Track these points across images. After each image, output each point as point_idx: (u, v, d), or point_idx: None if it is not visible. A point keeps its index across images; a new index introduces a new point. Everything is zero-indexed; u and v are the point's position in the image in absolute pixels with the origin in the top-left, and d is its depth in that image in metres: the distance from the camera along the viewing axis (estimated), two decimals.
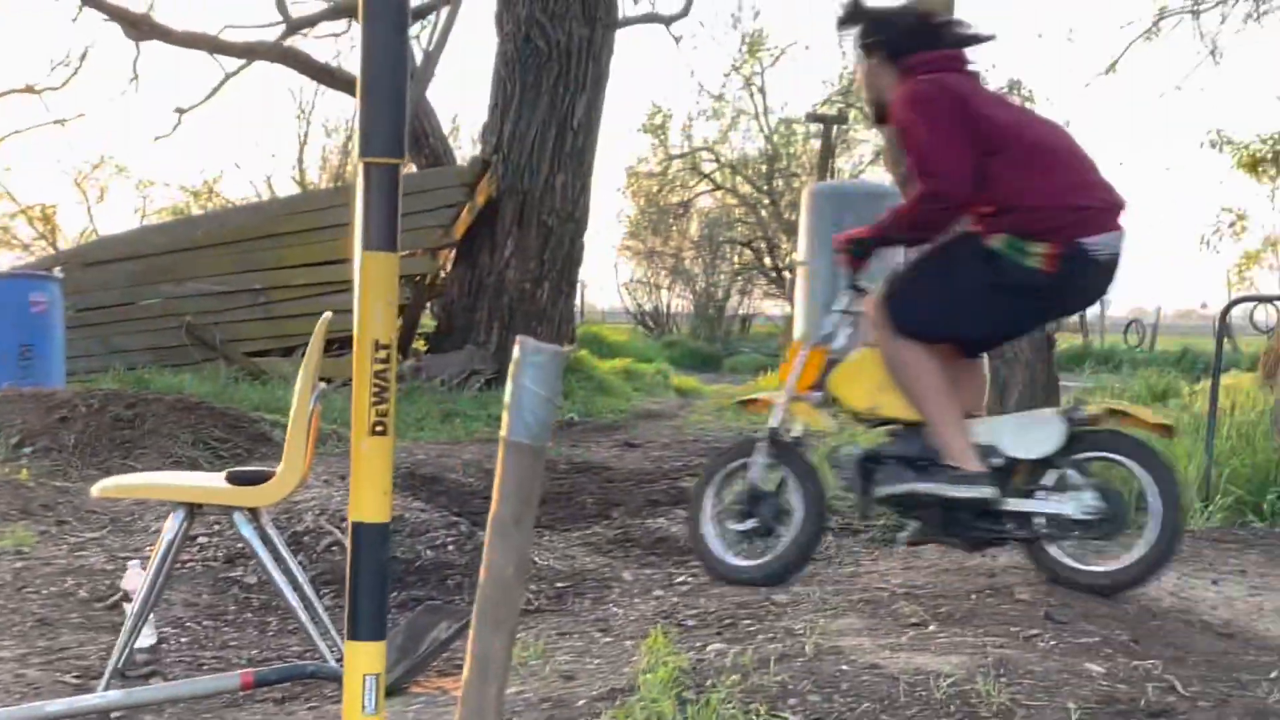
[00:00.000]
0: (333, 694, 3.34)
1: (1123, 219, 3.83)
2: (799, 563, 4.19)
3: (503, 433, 1.33)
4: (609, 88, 12.95)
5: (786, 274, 27.13)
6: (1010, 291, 3.81)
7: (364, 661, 1.43)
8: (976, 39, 4.07)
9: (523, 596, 1.39)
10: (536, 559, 4.80)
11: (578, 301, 23.03)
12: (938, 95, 3.83)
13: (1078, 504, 3.81)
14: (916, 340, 3.95)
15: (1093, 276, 3.81)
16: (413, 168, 13.76)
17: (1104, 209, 3.81)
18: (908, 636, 3.20)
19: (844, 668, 2.85)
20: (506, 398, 1.35)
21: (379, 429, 1.40)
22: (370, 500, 1.41)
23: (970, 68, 4.04)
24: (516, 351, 1.35)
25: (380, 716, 1.44)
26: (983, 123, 3.81)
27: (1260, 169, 19.42)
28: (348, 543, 1.47)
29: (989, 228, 3.83)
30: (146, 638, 3.68)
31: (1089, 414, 3.89)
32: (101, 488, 3.52)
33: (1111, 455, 3.85)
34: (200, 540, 4.81)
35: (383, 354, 1.38)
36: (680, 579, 4.55)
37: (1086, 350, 24.58)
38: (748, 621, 3.53)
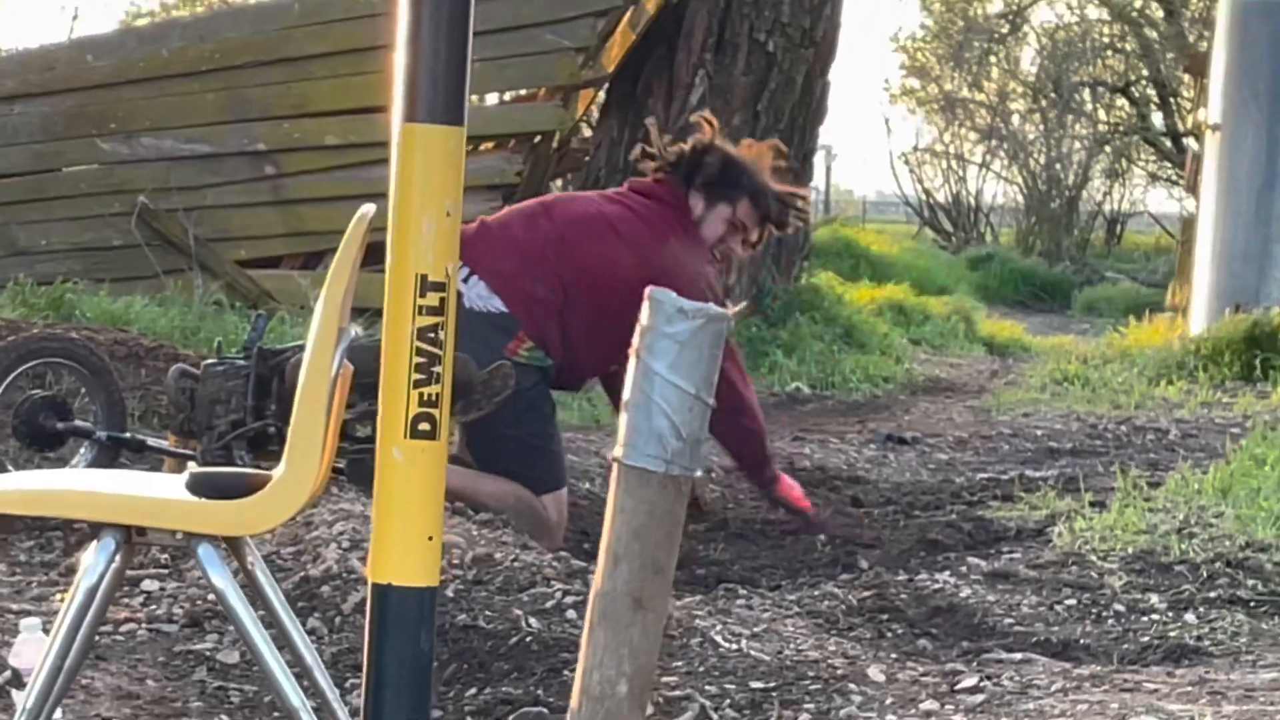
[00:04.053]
0: None
1: None
2: None
3: (617, 451, 0.86)
4: None
5: (1189, 142, 15.51)
6: None
7: None
8: None
9: None
10: (720, 641, 2.93)
11: (819, 182, 16.60)
12: None
13: None
14: None
15: None
16: None
17: None
18: None
19: None
20: (626, 393, 0.87)
21: (423, 428, 0.86)
22: (404, 548, 0.87)
23: None
24: (645, 313, 0.88)
25: None
26: None
27: None
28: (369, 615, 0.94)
29: None
30: None
31: None
32: None
33: None
34: (147, 588, 3.78)
35: (433, 299, 0.88)
36: (968, 681, 2.72)
37: None
38: None
